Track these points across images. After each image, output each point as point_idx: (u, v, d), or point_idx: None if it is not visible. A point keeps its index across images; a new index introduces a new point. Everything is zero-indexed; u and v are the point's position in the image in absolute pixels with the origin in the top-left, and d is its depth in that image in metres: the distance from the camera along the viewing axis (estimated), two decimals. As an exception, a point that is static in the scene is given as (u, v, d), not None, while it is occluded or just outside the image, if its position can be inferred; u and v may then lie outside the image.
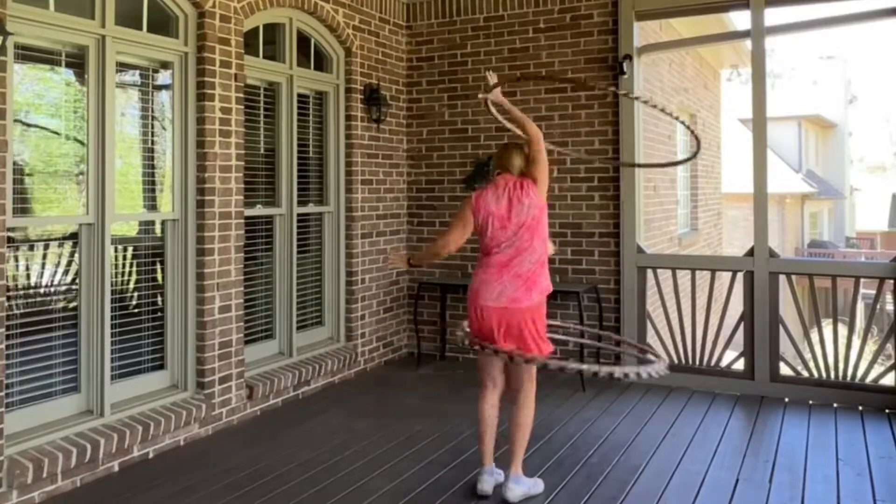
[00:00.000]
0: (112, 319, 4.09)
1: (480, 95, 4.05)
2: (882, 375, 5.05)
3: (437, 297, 6.38)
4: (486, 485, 3.61)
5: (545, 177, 3.62)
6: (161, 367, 4.45)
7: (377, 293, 6.16)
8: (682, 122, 4.08)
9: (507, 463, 3.59)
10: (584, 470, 3.93)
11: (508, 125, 4.23)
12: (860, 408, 4.93)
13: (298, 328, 5.47)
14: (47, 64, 4.00)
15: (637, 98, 5.29)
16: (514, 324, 3.47)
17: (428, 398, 5.24)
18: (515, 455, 3.56)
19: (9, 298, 3.57)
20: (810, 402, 5.07)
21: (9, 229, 3.54)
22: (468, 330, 3.61)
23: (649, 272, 5.74)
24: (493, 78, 3.96)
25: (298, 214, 5.47)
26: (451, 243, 3.69)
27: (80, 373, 3.99)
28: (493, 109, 4.04)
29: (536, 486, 3.66)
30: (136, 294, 4.41)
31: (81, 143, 4.03)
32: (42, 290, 3.93)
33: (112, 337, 4.09)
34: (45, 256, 4.01)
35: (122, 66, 4.28)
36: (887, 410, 4.85)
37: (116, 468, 3.92)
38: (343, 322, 5.87)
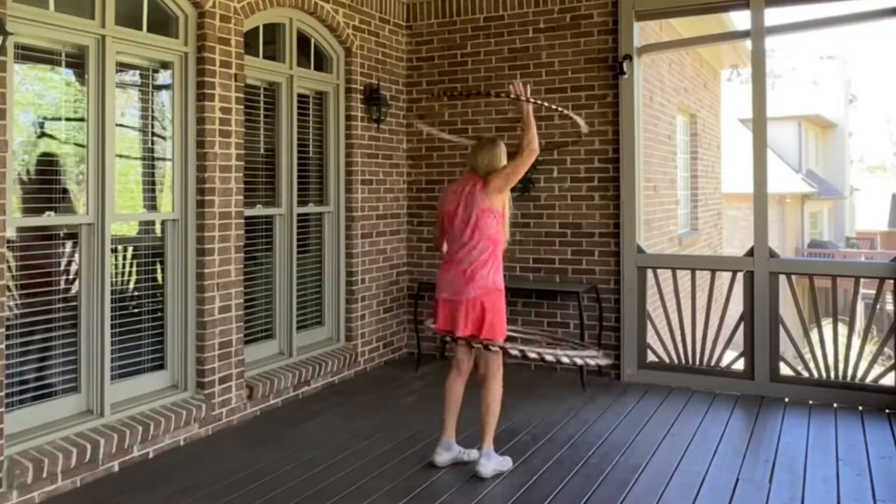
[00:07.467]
0: (112, 319, 4.09)
1: (520, 95, 3.75)
2: (882, 375, 5.06)
3: (437, 297, 6.37)
4: (439, 457, 3.92)
5: (499, 185, 3.78)
6: (161, 367, 4.45)
7: (377, 293, 6.16)
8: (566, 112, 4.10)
9: (479, 442, 3.88)
10: (584, 470, 3.93)
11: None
12: (860, 408, 4.93)
13: (298, 328, 5.47)
14: (47, 64, 4.00)
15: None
16: (462, 314, 3.75)
17: (428, 398, 5.23)
18: (486, 433, 3.84)
19: (9, 298, 3.56)
20: (810, 402, 5.07)
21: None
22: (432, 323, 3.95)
23: (649, 272, 5.74)
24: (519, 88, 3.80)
25: (298, 214, 5.47)
26: (437, 240, 4.04)
27: (80, 373, 3.99)
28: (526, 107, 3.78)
29: (505, 462, 3.93)
30: (136, 294, 4.41)
31: (81, 143, 4.02)
32: (42, 290, 3.92)
33: (112, 337, 4.08)
34: (46, 256, 4.00)
35: (122, 66, 4.27)
36: (887, 410, 4.85)
37: (116, 468, 3.92)
38: (343, 322, 5.87)
